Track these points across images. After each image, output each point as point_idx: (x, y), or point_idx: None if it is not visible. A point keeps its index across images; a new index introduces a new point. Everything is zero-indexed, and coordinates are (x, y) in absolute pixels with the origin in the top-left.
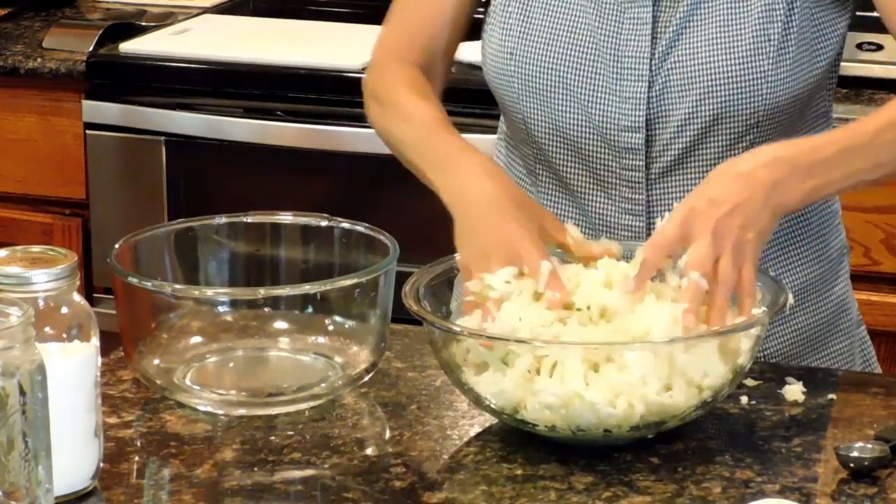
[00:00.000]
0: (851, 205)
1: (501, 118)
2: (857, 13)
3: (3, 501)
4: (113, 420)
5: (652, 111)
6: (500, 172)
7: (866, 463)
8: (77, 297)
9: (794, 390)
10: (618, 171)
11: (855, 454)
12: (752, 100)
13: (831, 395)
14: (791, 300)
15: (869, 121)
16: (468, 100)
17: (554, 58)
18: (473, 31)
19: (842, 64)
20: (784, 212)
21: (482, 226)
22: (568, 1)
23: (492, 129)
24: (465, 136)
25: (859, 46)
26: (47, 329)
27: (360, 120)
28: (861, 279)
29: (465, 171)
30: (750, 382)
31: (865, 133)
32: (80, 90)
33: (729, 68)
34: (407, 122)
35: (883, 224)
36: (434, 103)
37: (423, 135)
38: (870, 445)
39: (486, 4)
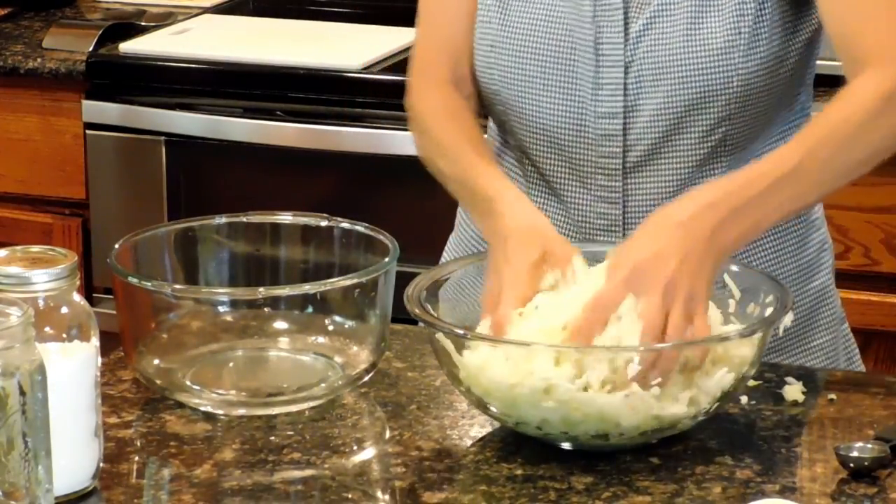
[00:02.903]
0: (851, 205)
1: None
2: None
3: (3, 501)
4: (113, 420)
5: (629, 98)
6: (526, 206)
7: (866, 463)
8: (77, 297)
9: (794, 390)
10: (594, 159)
11: (855, 454)
12: (723, 93)
13: (831, 395)
14: (792, 299)
15: (797, 144)
16: None
17: (532, 47)
18: None
19: (841, 64)
20: (725, 256)
21: (492, 266)
22: None
23: None
24: None
25: None
26: (47, 329)
27: (360, 120)
28: (861, 279)
29: (498, 211)
30: (750, 382)
31: (793, 159)
32: (80, 90)
33: (700, 61)
34: (444, 158)
35: (882, 224)
36: (467, 129)
37: (459, 172)
38: (870, 445)
39: None
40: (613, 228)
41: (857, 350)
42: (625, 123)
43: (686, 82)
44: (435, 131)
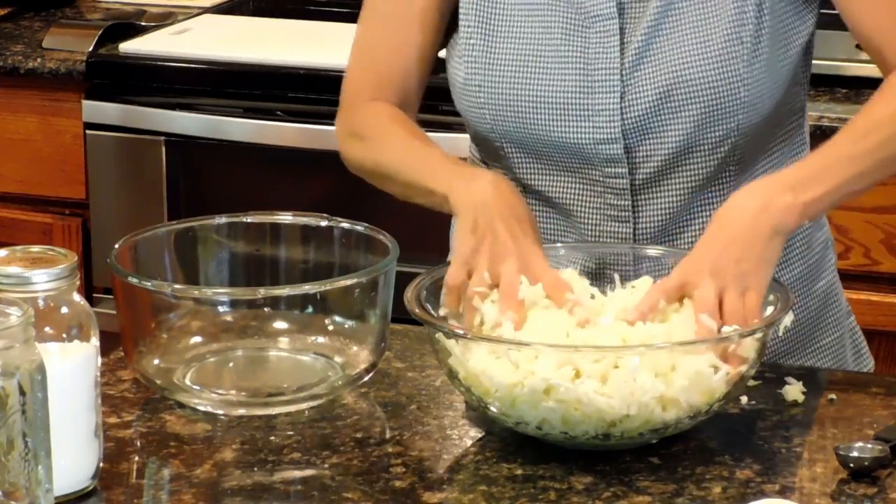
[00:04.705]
0: (851, 205)
1: (470, 143)
2: None
3: (3, 501)
4: (113, 420)
5: (627, 122)
6: (511, 186)
7: (866, 463)
8: (77, 297)
9: (794, 390)
10: (601, 179)
11: (855, 454)
12: (731, 104)
13: (831, 395)
14: (792, 299)
15: (844, 133)
16: None
17: (522, 84)
18: None
19: (842, 64)
20: (785, 231)
21: (487, 222)
22: (532, 25)
23: None
24: (456, 135)
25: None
26: (47, 329)
27: None
28: (861, 279)
29: (478, 179)
30: (750, 382)
31: (843, 146)
32: (80, 90)
33: (704, 74)
34: (403, 146)
35: (883, 224)
36: (423, 133)
37: (425, 154)
38: (870, 445)
39: (447, 38)
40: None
41: (864, 342)
42: (626, 146)
43: (692, 98)
44: (384, 129)
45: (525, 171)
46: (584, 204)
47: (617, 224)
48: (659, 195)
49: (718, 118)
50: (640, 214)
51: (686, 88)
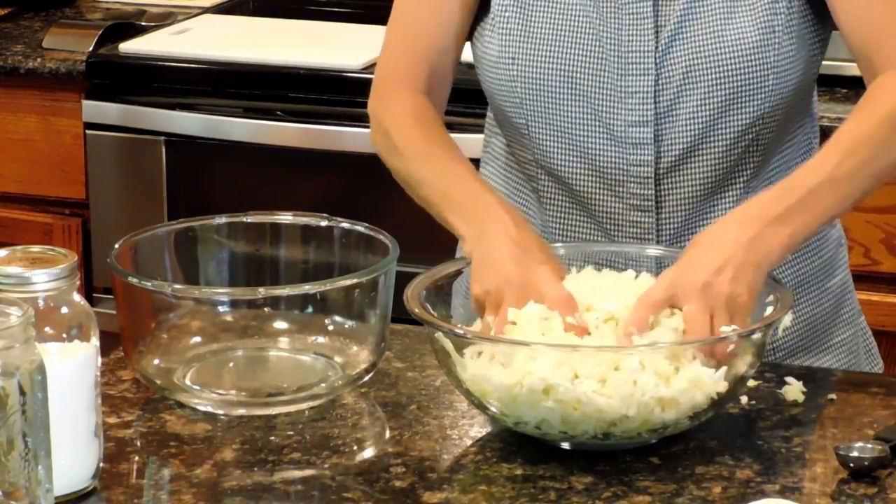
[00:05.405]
0: None
1: (486, 136)
2: None
3: (3, 501)
4: (113, 420)
5: (660, 105)
6: (525, 223)
7: (866, 463)
8: (77, 297)
9: (794, 390)
10: (625, 167)
11: (855, 454)
12: (759, 91)
13: (831, 395)
14: (792, 299)
15: (826, 155)
16: (469, 100)
17: (557, 58)
18: None
19: (842, 64)
20: (770, 264)
21: (500, 263)
22: (568, 1)
23: None
24: (465, 135)
25: None
26: (47, 329)
27: (360, 120)
28: (861, 279)
29: (491, 222)
30: (750, 382)
31: (830, 164)
32: (80, 90)
33: (735, 60)
34: (425, 163)
35: (883, 224)
36: (438, 135)
37: (443, 178)
38: (870, 445)
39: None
40: (647, 237)
41: (874, 342)
42: (656, 130)
43: (721, 82)
44: (409, 135)
45: (546, 154)
46: (605, 193)
47: (639, 214)
48: (682, 184)
49: (745, 104)
50: (663, 204)
51: (716, 72)
